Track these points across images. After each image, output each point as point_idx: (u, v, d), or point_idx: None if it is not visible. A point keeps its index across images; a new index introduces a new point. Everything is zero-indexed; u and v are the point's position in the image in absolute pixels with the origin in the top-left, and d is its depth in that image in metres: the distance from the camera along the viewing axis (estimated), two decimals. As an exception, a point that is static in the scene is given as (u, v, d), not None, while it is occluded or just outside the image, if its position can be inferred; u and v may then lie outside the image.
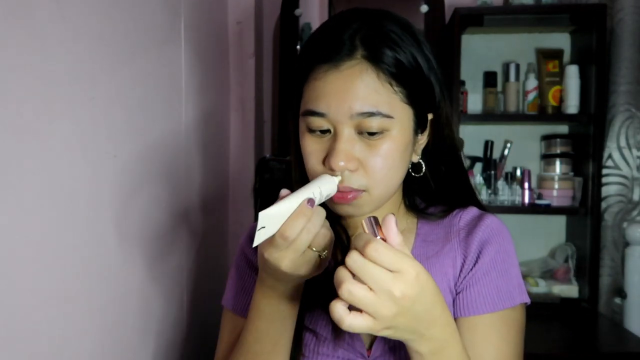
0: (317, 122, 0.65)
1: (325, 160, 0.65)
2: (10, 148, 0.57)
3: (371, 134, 0.64)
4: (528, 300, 0.77)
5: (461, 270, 0.74)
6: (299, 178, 0.73)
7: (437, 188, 0.78)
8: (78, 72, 0.70)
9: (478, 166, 1.91)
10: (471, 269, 0.73)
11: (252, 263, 0.79)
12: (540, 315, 1.68)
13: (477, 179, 1.84)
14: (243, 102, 1.74)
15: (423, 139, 0.73)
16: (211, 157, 1.42)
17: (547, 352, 1.45)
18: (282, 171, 1.67)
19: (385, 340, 0.71)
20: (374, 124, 0.63)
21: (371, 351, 0.71)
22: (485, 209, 0.79)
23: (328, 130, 0.65)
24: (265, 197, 1.70)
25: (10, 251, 0.58)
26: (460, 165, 0.78)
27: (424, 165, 0.74)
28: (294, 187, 0.65)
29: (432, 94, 0.69)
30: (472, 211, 0.78)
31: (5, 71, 0.56)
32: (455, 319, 0.69)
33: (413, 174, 0.73)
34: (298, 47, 1.76)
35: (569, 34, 1.90)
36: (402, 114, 0.65)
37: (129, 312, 0.87)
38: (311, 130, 0.66)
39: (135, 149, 0.88)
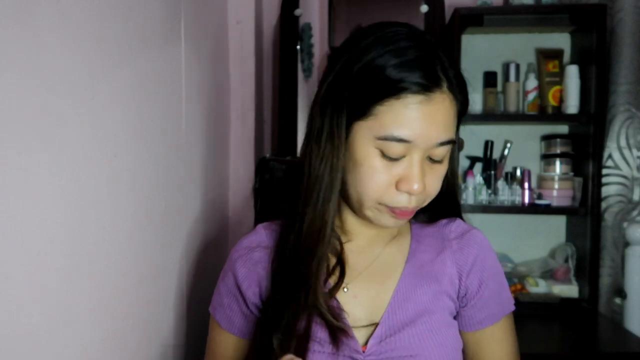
0: (398, 149, 0.67)
1: (400, 183, 0.68)
2: (9, 148, 0.57)
3: (436, 160, 0.70)
4: (514, 307, 0.84)
5: (460, 284, 0.79)
6: (317, 184, 0.72)
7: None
8: (78, 72, 0.70)
9: (478, 166, 1.91)
10: (478, 288, 0.79)
11: (240, 289, 0.81)
12: (540, 315, 1.68)
13: (477, 179, 1.84)
14: (243, 102, 1.74)
15: None
16: (211, 157, 1.42)
17: (547, 352, 1.45)
18: (282, 171, 1.68)
19: (381, 333, 0.75)
20: (443, 151, 0.69)
21: (367, 347, 0.74)
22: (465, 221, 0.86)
23: (402, 157, 0.68)
24: (265, 197, 1.70)
25: (9, 251, 0.58)
26: (455, 179, 0.83)
27: None
28: (304, 193, 0.71)
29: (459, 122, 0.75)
30: (460, 223, 0.83)
31: (4, 71, 0.56)
32: (460, 331, 0.80)
33: None
34: (298, 47, 1.76)
35: (569, 34, 1.90)
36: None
37: (128, 312, 0.87)
38: (384, 155, 0.68)
39: (135, 149, 0.88)
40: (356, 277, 0.78)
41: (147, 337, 0.94)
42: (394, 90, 0.66)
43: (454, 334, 0.78)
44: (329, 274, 0.76)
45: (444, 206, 0.83)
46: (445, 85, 0.67)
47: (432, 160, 0.69)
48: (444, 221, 0.84)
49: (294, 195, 0.76)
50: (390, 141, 0.66)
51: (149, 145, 0.94)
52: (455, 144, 0.71)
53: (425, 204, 0.74)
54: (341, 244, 0.79)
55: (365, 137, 0.68)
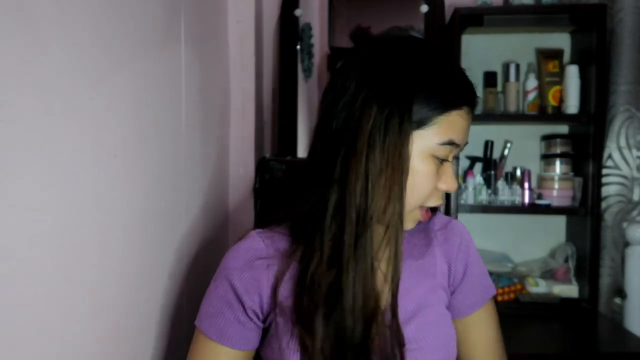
0: (451, 152, 0.76)
1: (441, 184, 0.76)
2: (9, 148, 0.57)
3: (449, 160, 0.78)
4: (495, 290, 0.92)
5: (449, 274, 0.85)
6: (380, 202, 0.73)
7: None
8: (78, 72, 0.70)
9: (478, 166, 1.90)
10: (463, 276, 0.86)
11: (238, 296, 0.78)
12: (540, 315, 1.68)
13: (477, 179, 1.84)
14: (243, 102, 1.74)
15: None
16: (211, 157, 1.42)
17: (547, 352, 1.45)
18: (282, 171, 1.67)
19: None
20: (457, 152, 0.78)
21: None
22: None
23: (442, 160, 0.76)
24: (265, 197, 1.70)
25: (9, 251, 0.58)
26: None
27: None
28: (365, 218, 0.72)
29: None
30: (440, 216, 0.90)
31: (4, 71, 0.56)
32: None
33: None
34: (298, 47, 1.76)
35: (569, 34, 1.90)
36: None
37: (128, 313, 0.87)
38: (438, 159, 0.75)
39: (135, 149, 0.88)
40: None
41: (146, 337, 0.94)
42: (458, 103, 0.74)
43: (450, 324, 0.83)
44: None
45: None
46: (474, 99, 0.78)
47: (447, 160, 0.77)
48: None
49: (319, 214, 0.74)
50: (448, 146, 0.74)
51: (149, 145, 0.94)
52: None
53: None
54: None
55: (422, 144, 0.73)
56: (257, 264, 0.78)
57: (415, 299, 0.80)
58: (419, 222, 0.83)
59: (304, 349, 0.73)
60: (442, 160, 0.75)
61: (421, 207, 0.77)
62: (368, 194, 0.71)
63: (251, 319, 0.79)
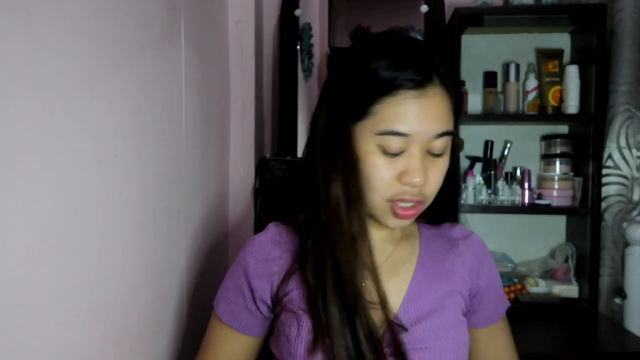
0: (397, 144, 0.71)
1: (401, 176, 0.71)
2: (9, 148, 0.57)
3: (435, 154, 0.73)
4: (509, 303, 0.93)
5: (470, 283, 0.85)
6: (338, 177, 0.75)
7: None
8: (78, 72, 0.70)
9: (478, 166, 1.91)
10: (483, 288, 0.86)
11: (250, 283, 0.82)
12: (540, 315, 1.68)
13: (477, 179, 1.84)
14: (243, 102, 1.74)
15: None
16: (211, 157, 1.42)
17: (547, 352, 1.45)
18: (282, 171, 1.67)
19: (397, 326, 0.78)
20: (442, 144, 0.72)
21: (383, 338, 0.76)
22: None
23: (401, 152, 0.72)
24: (265, 197, 1.70)
25: (10, 251, 0.58)
26: (457, 181, 0.87)
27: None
28: (324, 184, 0.74)
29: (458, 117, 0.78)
30: (462, 228, 0.90)
31: (4, 71, 0.56)
32: (470, 328, 0.86)
33: None
34: (298, 47, 1.76)
35: (569, 34, 1.90)
36: (451, 134, 0.75)
37: (128, 313, 0.87)
38: (385, 151, 0.71)
39: (135, 149, 0.88)
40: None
41: (146, 337, 0.94)
42: (388, 88, 0.70)
43: (464, 330, 0.82)
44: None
45: (443, 208, 0.86)
46: (437, 80, 0.71)
47: (432, 154, 0.73)
48: (447, 225, 0.89)
49: (311, 198, 0.78)
50: (389, 136, 0.70)
51: (149, 145, 0.94)
52: (454, 136, 0.74)
53: (429, 201, 0.76)
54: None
55: (365, 136, 0.72)
56: (272, 255, 0.81)
57: (430, 300, 0.81)
58: (432, 229, 0.87)
59: (315, 337, 0.74)
60: (399, 152, 0.71)
61: (393, 202, 0.74)
62: (330, 191, 0.74)
63: (259, 309, 0.82)
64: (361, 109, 0.71)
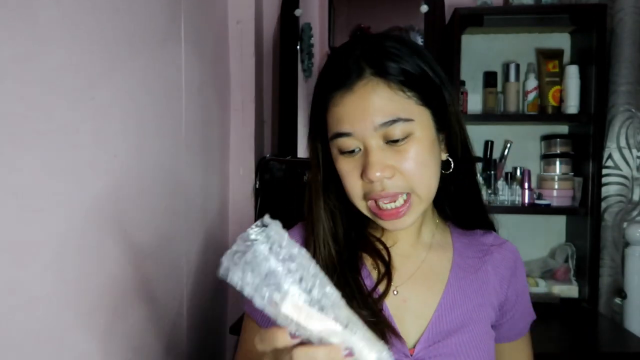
0: (347, 143, 0.70)
1: (363, 175, 0.70)
2: (10, 148, 0.57)
3: (396, 140, 0.69)
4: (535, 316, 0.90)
5: (504, 295, 0.83)
6: (319, 193, 0.77)
7: (452, 204, 0.84)
8: (78, 72, 0.70)
9: (478, 166, 1.90)
10: (514, 301, 0.84)
11: None
12: (540, 315, 1.66)
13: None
14: (243, 102, 1.74)
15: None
16: (211, 157, 1.42)
17: (547, 352, 1.44)
18: (282, 171, 1.67)
19: (429, 338, 0.75)
20: (397, 131, 0.69)
21: (414, 350, 0.74)
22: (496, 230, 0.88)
23: (358, 149, 0.71)
24: (265, 197, 1.70)
25: (10, 251, 0.58)
26: (474, 177, 0.83)
27: (452, 162, 0.78)
28: (310, 203, 0.76)
29: (442, 95, 0.74)
30: (496, 236, 0.86)
31: (5, 71, 0.56)
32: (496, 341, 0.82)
33: (443, 171, 0.78)
34: (298, 47, 1.76)
35: (569, 34, 1.90)
36: (420, 116, 0.71)
37: (129, 312, 0.87)
38: (343, 152, 0.71)
39: (135, 149, 0.88)
40: (405, 281, 0.78)
41: (146, 337, 0.94)
42: (324, 97, 0.72)
43: (491, 344, 0.80)
44: (380, 279, 0.76)
45: (470, 211, 0.84)
46: (368, 72, 0.69)
47: (392, 141, 0.70)
48: (479, 232, 0.86)
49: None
50: (337, 139, 0.71)
51: (149, 145, 0.94)
52: (410, 121, 0.69)
53: (421, 191, 0.72)
54: (387, 248, 0.80)
55: (329, 145, 0.74)
56: None
57: (462, 314, 0.78)
58: (465, 235, 0.84)
59: None
60: (354, 150, 0.71)
61: (370, 202, 0.72)
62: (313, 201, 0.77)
63: None
64: (320, 122, 0.74)
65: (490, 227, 0.86)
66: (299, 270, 0.44)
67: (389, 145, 0.69)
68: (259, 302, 0.44)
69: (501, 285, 0.82)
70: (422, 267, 0.80)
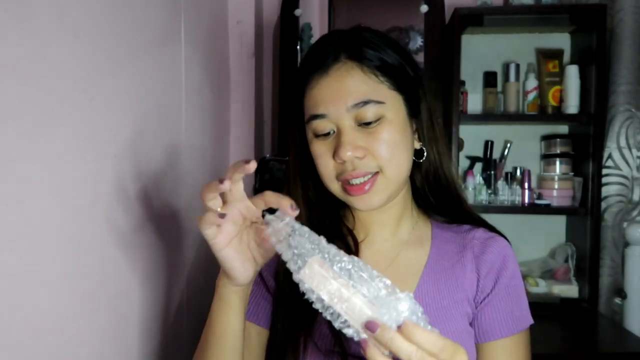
0: (321, 125, 0.72)
1: (335, 155, 0.72)
2: (9, 148, 0.57)
3: (368, 123, 0.71)
4: (532, 321, 0.82)
5: (477, 288, 0.79)
6: (297, 178, 0.80)
7: (433, 194, 0.83)
8: (78, 72, 0.70)
9: (478, 166, 1.91)
10: (489, 293, 0.78)
11: (261, 273, 0.81)
12: (540, 315, 1.64)
13: (477, 179, 1.84)
14: (243, 102, 1.74)
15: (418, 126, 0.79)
16: (211, 157, 1.42)
17: (547, 352, 1.45)
18: (282, 171, 1.67)
19: None
20: (369, 113, 0.71)
21: None
22: (494, 228, 0.86)
23: (333, 132, 0.73)
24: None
25: (9, 251, 0.58)
26: (448, 175, 0.82)
27: (425, 151, 0.79)
28: (289, 187, 0.77)
29: (416, 88, 0.77)
30: (484, 231, 0.84)
31: (4, 71, 0.56)
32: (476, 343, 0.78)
33: (415, 159, 0.78)
34: (298, 47, 1.76)
35: (569, 34, 1.90)
36: (392, 100, 0.73)
37: (128, 312, 0.87)
38: (317, 135, 0.74)
39: (135, 149, 0.88)
40: None
41: (146, 336, 0.94)
42: (302, 81, 0.75)
43: (470, 343, 0.77)
44: None
45: (449, 203, 0.83)
46: (343, 56, 0.72)
47: (364, 124, 0.72)
48: (466, 227, 0.84)
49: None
50: (312, 121, 0.73)
51: (149, 145, 0.94)
52: (381, 103, 0.71)
53: (388, 170, 0.72)
54: (355, 239, 0.79)
55: (307, 129, 0.76)
56: None
57: (436, 310, 0.75)
58: (448, 230, 0.83)
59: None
60: (328, 133, 0.73)
61: (343, 182, 0.73)
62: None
63: (271, 294, 0.81)
64: (299, 107, 0.76)
65: (479, 222, 0.85)
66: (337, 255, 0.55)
67: (361, 127, 0.72)
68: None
69: (477, 276, 0.78)
70: (395, 264, 0.79)
